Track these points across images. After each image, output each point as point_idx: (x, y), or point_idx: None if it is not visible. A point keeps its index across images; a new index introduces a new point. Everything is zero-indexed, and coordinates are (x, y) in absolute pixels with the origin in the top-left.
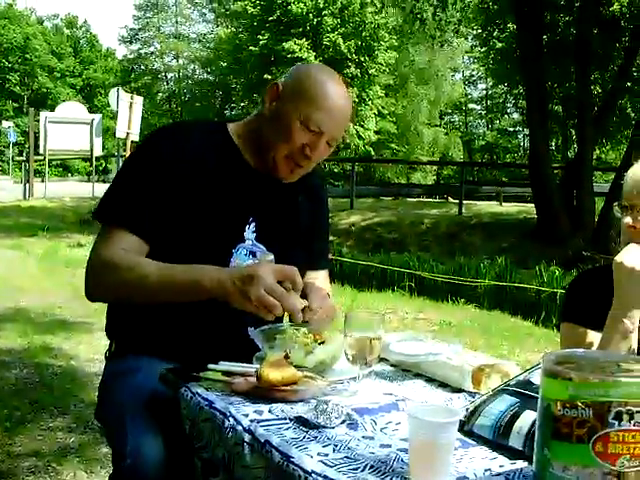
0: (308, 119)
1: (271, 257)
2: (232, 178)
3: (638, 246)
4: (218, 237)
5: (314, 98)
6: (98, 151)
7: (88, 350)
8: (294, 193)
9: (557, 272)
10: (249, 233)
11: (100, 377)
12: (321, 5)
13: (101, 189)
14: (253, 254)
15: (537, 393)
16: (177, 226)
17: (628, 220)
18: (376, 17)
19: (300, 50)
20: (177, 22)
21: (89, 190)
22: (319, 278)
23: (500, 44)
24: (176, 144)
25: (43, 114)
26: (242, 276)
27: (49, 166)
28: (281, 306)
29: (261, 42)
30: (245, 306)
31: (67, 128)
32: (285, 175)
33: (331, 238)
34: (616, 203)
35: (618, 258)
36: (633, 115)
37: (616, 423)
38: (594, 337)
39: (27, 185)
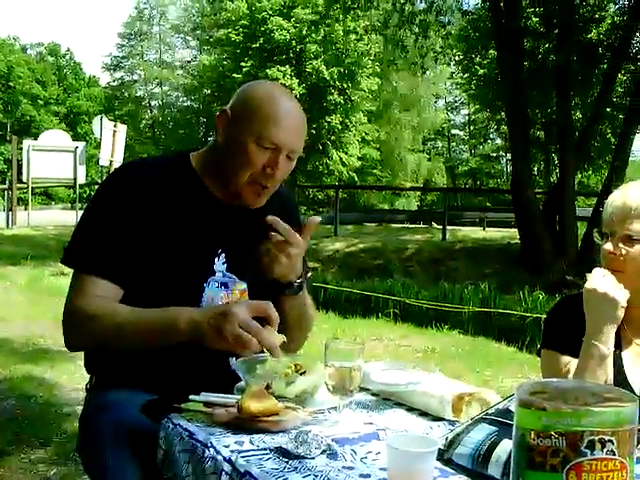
0: (262, 138)
1: (244, 286)
2: (197, 211)
3: (602, 269)
4: (188, 272)
5: (263, 116)
6: (82, 179)
7: (71, 380)
8: (262, 217)
9: (541, 297)
10: (219, 265)
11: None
12: (304, 33)
13: None
14: (225, 285)
15: None
16: (147, 266)
17: (608, 247)
18: (359, 44)
19: (283, 77)
20: (160, 50)
21: (72, 218)
22: None
23: (482, 70)
24: (137, 183)
25: (26, 142)
26: (216, 314)
27: (32, 194)
28: (257, 342)
29: (244, 69)
30: (221, 344)
31: (51, 156)
32: (252, 201)
33: (315, 265)
34: (596, 230)
35: (587, 284)
36: (613, 140)
37: (589, 452)
38: (574, 364)
39: (10, 213)
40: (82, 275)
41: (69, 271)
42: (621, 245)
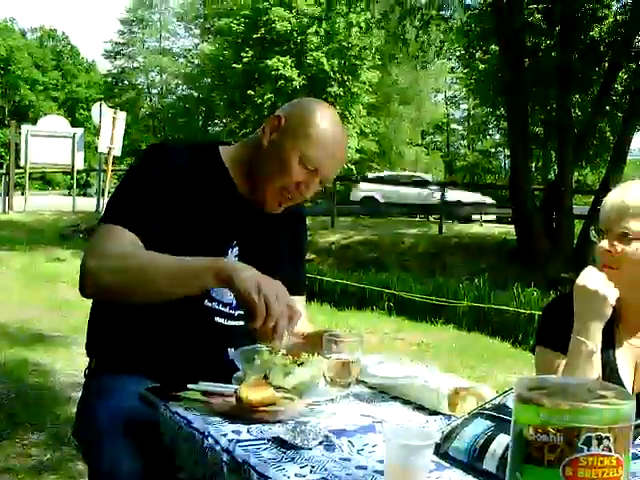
0: (308, 159)
1: None
2: (218, 201)
3: (594, 268)
4: (200, 257)
5: (316, 140)
6: (80, 165)
7: (65, 365)
8: (277, 219)
9: (535, 294)
10: (231, 257)
11: (77, 393)
12: (305, 24)
13: (82, 203)
14: None
15: (512, 417)
16: (163, 241)
17: (604, 244)
18: (360, 37)
19: (284, 68)
20: (161, 37)
21: (70, 204)
22: (296, 303)
23: (483, 65)
24: (170, 161)
25: (25, 127)
26: (262, 275)
27: (30, 179)
28: (274, 321)
29: (245, 59)
30: (248, 298)
31: (49, 142)
32: (273, 208)
33: (311, 256)
34: (592, 227)
35: (578, 280)
36: (612, 139)
37: (585, 448)
38: None
39: (7, 198)
40: (109, 225)
41: (65, 257)
42: (617, 243)
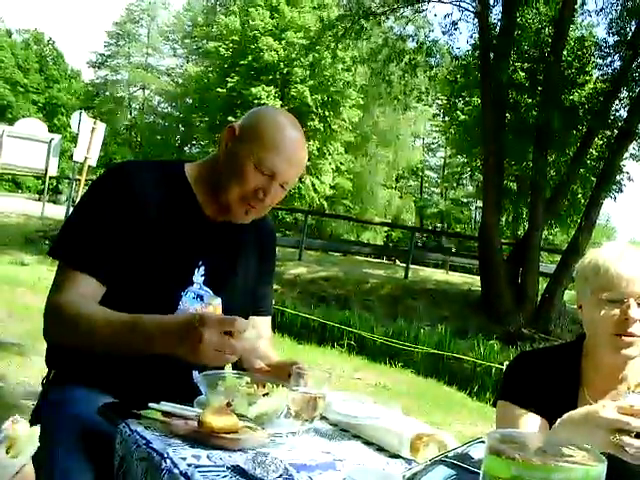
0: (261, 163)
1: (218, 301)
2: (184, 221)
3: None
4: (167, 279)
5: (268, 141)
6: (53, 171)
7: (19, 372)
8: (244, 238)
9: (495, 346)
10: (198, 277)
11: (28, 401)
12: (293, 56)
13: (51, 210)
14: (200, 297)
15: (475, 467)
16: (130, 267)
17: (635, 313)
18: (345, 74)
19: (267, 97)
20: (147, 54)
21: (37, 209)
22: (261, 323)
23: (463, 116)
24: (130, 185)
25: (1, 127)
26: (191, 335)
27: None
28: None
29: (229, 84)
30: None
31: (24, 144)
32: (239, 217)
33: (275, 287)
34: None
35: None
36: (583, 202)
37: None
38: (530, 418)
39: None
40: (69, 270)
41: (29, 261)
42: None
